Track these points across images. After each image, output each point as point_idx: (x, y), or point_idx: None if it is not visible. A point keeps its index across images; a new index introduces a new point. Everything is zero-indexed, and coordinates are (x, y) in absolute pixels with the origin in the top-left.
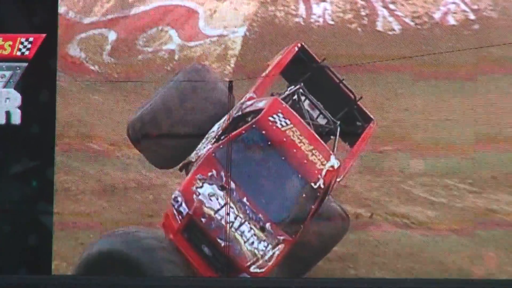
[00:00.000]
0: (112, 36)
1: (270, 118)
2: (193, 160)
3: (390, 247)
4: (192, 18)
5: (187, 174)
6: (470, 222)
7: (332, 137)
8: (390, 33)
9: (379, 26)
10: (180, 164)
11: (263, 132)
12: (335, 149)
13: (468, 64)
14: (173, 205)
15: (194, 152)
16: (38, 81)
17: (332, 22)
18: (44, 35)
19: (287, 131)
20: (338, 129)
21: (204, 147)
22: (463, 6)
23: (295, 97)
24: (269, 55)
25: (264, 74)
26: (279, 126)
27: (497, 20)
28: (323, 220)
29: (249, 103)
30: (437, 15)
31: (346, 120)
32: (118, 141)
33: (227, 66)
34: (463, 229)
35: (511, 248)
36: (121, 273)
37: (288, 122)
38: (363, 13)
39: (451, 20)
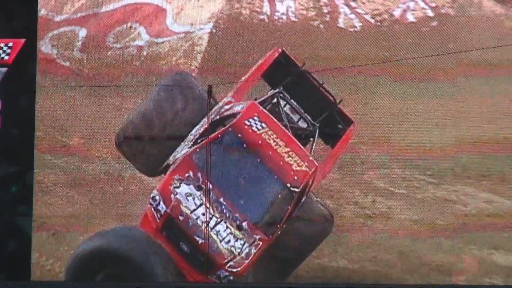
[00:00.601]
0: (82, 33)
1: (246, 122)
2: (171, 163)
3: (353, 237)
4: (160, 15)
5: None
6: (430, 212)
7: (311, 139)
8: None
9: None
10: (161, 168)
11: (239, 135)
12: (312, 150)
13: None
14: (151, 204)
15: (172, 155)
16: (18, 86)
17: (295, 19)
18: (23, 40)
19: (263, 134)
20: (317, 131)
21: (181, 150)
22: (422, 4)
23: (275, 100)
24: (235, 51)
25: (243, 78)
26: (255, 129)
27: (455, 17)
28: (307, 220)
29: (227, 107)
30: (396, 13)
31: (327, 123)
32: (89, 135)
33: (193, 61)
34: (423, 219)
35: (469, 238)
36: (113, 270)
37: (264, 125)
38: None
39: (410, 18)
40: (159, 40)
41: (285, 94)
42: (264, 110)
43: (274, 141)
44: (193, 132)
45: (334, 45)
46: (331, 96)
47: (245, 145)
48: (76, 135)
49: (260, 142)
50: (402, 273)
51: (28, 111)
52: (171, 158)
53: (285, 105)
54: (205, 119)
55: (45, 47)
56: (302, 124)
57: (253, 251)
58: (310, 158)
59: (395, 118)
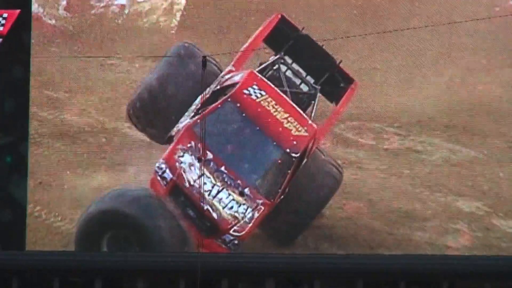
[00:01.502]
0: None
1: (245, 91)
2: (174, 134)
3: None
4: None
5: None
6: (397, 163)
7: (313, 102)
8: None
9: None
10: (166, 138)
11: (238, 105)
12: (314, 113)
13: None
14: (157, 172)
15: (176, 126)
16: (13, 57)
17: None
18: (18, 11)
19: (262, 102)
20: (318, 94)
21: (184, 121)
22: None
23: (275, 66)
24: (213, 10)
25: (244, 46)
26: (254, 97)
27: None
28: (318, 175)
29: (227, 76)
30: None
31: (330, 83)
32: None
33: (173, 19)
34: (390, 168)
35: (435, 186)
36: (120, 227)
37: (263, 93)
38: None
39: None
40: None
41: (286, 59)
42: (263, 78)
43: (274, 107)
44: (196, 102)
45: None
46: (331, 57)
47: (244, 114)
48: (62, 89)
49: (259, 110)
50: (370, 220)
51: (23, 82)
52: (174, 129)
53: (286, 70)
54: (202, 95)
55: (33, 6)
56: (304, 88)
57: (256, 215)
58: (309, 122)
59: (364, 73)
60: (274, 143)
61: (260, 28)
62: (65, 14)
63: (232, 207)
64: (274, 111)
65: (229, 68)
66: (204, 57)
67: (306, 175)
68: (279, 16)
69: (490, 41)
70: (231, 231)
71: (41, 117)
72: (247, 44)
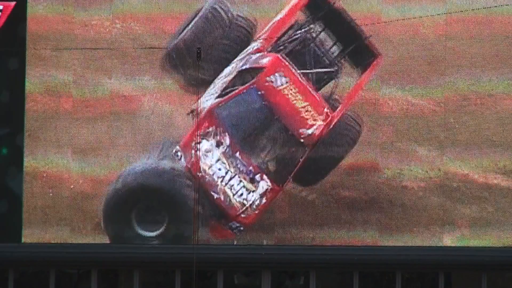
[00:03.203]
0: None
1: (268, 78)
2: (194, 108)
3: None
4: None
5: (193, 118)
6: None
7: (334, 80)
8: None
9: None
10: (188, 112)
11: (260, 92)
12: (334, 92)
13: None
14: (174, 158)
15: (199, 101)
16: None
17: None
18: (13, 3)
19: (284, 90)
20: (340, 72)
21: (207, 100)
22: None
23: (303, 39)
24: None
25: (276, 18)
26: (276, 85)
27: None
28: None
29: (254, 57)
30: None
31: (356, 54)
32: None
33: None
34: None
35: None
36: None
37: (286, 80)
38: None
39: None
40: None
41: (316, 27)
42: (288, 63)
43: (294, 96)
44: (221, 76)
45: None
46: (360, 31)
47: (265, 102)
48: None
49: (279, 98)
50: None
51: (19, 74)
52: (196, 104)
53: (317, 35)
54: (230, 66)
55: None
56: (329, 57)
57: (264, 201)
58: (326, 110)
59: None
60: (290, 132)
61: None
62: None
63: (242, 194)
64: (294, 100)
65: (257, 44)
66: (199, 48)
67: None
68: None
69: None
70: (238, 219)
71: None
72: (282, 14)
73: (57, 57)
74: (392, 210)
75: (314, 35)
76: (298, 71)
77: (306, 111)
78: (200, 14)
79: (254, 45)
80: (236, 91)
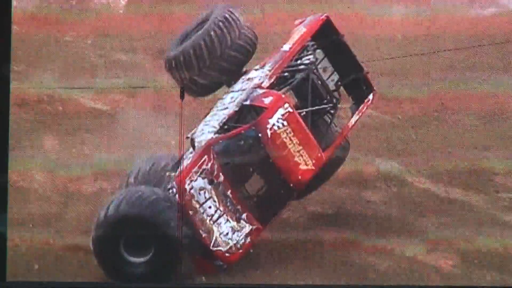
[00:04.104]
0: None
1: (269, 120)
2: (193, 138)
3: None
4: None
5: (193, 147)
6: None
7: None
8: None
9: None
10: (188, 135)
11: (260, 134)
12: (332, 124)
13: None
14: (169, 192)
15: (198, 129)
16: None
17: None
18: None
19: (282, 133)
20: (338, 106)
21: (207, 132)
22: None
23: (309, 70)
24: None
25: (284, 49)
26: (276, 128)
27: None
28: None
29: (256, 93)
30: None
31: (355, 86)
32: None
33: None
34: None
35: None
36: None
37: (285, 123)
38: None
39: None
40: None
41: (318, 56)
42: (289, 105)
43: (290, 140)
44: (225, 101)
45: None
46: (361, 66)
47: (262, 145)
48: None
49: (276, 142)
50: None
51: (1, 113)
52: (196, 133)
53: (318, 64)
54: (230, 96)
55: None
56: (330, 84)
57: (248, 241)
58: (319, 154)
59: None
60: (282, 177)
61: (305, 28)
62: None
63: (227, 234)
64: (290, 143)
65: (261, 79)
66: (182, 87)
67: None
68: (325, 17)
69: None
70: (222, 257)
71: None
72: (289, 45)
73: None
74: None
75: (316, 68)
76: (297, 112)
77: (300, 155)
78: (210, 20)
79: (258, 76)
80: (236, 130)
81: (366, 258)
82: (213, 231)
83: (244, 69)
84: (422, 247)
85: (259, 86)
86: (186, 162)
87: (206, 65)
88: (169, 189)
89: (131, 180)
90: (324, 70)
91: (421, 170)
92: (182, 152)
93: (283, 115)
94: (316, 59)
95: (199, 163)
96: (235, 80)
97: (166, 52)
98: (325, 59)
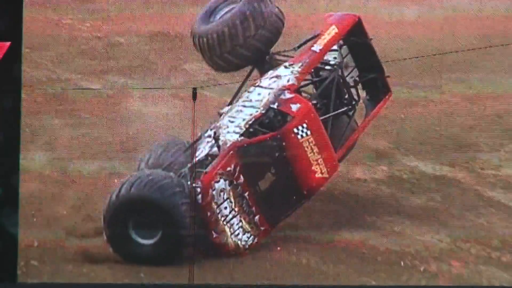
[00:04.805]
0: None
1: (295, 130)
2: (217, 134)
3: None
4: None
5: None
6: None
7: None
8: None
9: None
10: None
11: (284, 143)
12: (348, 127)
13: None
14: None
15: (223, 124)
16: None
17: None
18: (8, 43)
19: (304, 143)
20: (355, 110)
21: (233, 131)
22: None
23: (336, 76)
24: None
25: (312, 50)
26: (299, 137)
27: None
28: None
29: (285, 97)
30: None
31: (371, 82)
32: None
33: None
34: None
35: None
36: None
37: (309, 132)
38: None
39: None
40: None
41: (343, 51)
42: (314, 115)
43: (311, 148)
44: (246, 102)
45: None
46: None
47: (284, 153)
48: None
49: (298, 151)
50: None
51: (13, 113)
52: (221, 130)
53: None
54: (258, 97)
55: None
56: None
57: (255, 241)
58: (335, 163)
59: None
60: (298, 183)
61: (336, 29)
62: None
63: (238, 235)
64: (310, 152)
65: (290, 80)
66: (194, 88)
67: None
68: (357, 18)
69: None
70: (228, 256)
71: None
72: (320, 46)
73: None
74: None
75: (341, 69)
76: (321, 120)
77: (317, 164)
78: (238, 7)
79: (288, 75)
80: (262, 136)
81: (356, 235)
82: (226, 231)
83: (273, 55)
84: (410, 222)
85: (288, 88)
86: (202, 154)
87: (239, 43)
88: (195, 186)
89: (143, 165)
90: (346, 66)
91: (409, 149)
92: (194, 157)
93: (308, 124)
94: (342, 58)
95: (224, 165)
96: (264, 63)
97: (194, 26)
98: (349, 55)
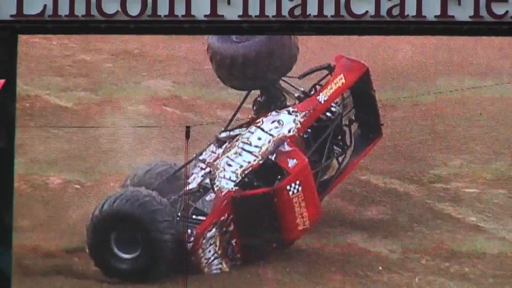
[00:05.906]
0: None
1: (288, 187)
2: (213, 176)
3: None
4: None
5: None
6: None
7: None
8: None
9: None
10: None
11: (275, 200)
12: (340, 169)
13: None
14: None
15: (220, 164)
16: None
17: None
18: (3, 80)
19: (294, 199)
20: (346, 153)
21: (229, 178)
22: None
23: (337, 126)
24: None
25: (318, 100)
26: (291, 193)
27: None
28: None
29: (283, 150)
30: None
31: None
32: None
33: None
34: None
35: None
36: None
37: (300, 189)
38: None
39: None
40: None
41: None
42: (309, 172)
43: (299, 203)
44: (246, 144)
45: None
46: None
47: (274, 209)
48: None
49: (288, 207)
50: None
51: (7, 153)
52: (218, 171)
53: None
54: (257, 142)
55: None
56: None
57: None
58: (317, 216)
59: None
60: (282, 236)
61: (343, 79)
62: None
63: (214, 270)
64: (297, 206)
65: (291, 131)
66: (188, 127)
67: None
68: (365, 68)
69: None
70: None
71: None
72: (325, 97)
73: None
74: None
75: (342, 118)
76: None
77: (302, 217)
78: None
79: (290, 123)
80: (256, 191)
81: (312, 245)
82: (204, 268)
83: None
84: (363, 234)
85: (289, 138)
86: (194, 182)
87: (262, 70)
88: (189, 234)
89: (128, 182)
90: (345, 106)
91: (361, 163)
92: (187, 199)
93: (301, 181)
94: (344, 105)
95: (219, 215)
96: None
97: (212, 41)
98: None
